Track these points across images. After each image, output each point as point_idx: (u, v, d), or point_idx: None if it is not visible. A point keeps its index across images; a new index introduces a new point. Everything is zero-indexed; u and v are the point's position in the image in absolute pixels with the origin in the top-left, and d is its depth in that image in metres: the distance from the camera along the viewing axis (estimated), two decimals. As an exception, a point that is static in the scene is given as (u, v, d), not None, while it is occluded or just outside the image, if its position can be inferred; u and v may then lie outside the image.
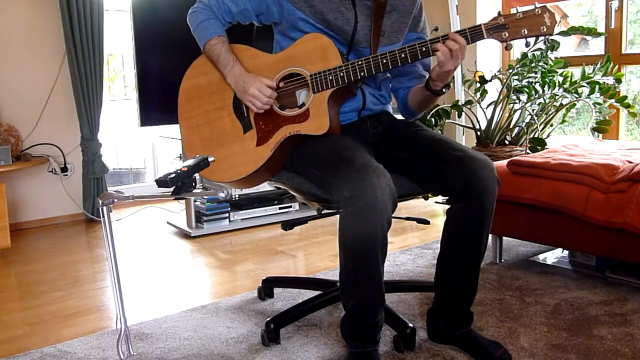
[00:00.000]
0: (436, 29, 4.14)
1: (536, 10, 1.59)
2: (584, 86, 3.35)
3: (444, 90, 1.78)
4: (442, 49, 1.63)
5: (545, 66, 3.44)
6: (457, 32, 1.64)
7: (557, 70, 3.46)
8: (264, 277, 2.33)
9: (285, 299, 2.28)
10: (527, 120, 3.60)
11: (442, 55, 1.63)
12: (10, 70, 3.60)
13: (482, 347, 1.73)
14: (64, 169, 3.83)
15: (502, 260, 2.63)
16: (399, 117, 1.98)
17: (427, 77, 1.82)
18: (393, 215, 1.57)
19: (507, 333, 1.92)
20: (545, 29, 1.58)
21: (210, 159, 1.64)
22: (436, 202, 3.93)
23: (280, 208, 3.64)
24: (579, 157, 2.38)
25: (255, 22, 1.90)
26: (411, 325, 1.82)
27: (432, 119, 3.78)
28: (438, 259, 1.80)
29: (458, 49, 1.62)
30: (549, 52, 3.44)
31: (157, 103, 3.39)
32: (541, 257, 2.67)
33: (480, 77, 3.68)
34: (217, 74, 1.88)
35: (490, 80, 3.66)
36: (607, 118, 3.36)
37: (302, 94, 1.80)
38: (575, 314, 2.05)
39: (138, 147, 5.69)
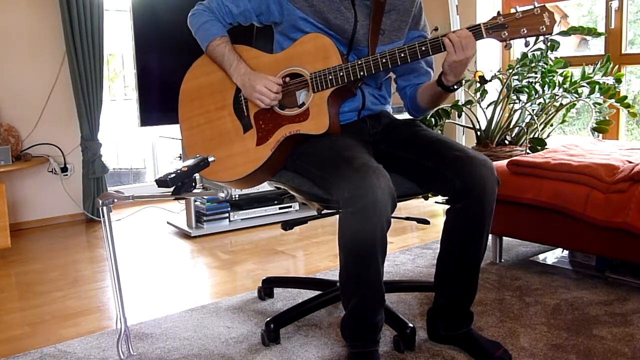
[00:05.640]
0: (436, 29, 4.14)
1: (535, 9, 1.58)
2: (584, 86, 3.34)
3: (455, 87, 1.76)
4: (451, 37, 1.63)
5: (545, 66, 3.44)
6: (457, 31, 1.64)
7: (557, 70, 3.46)
8: (264, 277, 2.33)
9: (285, 299, 2.28)
10: (527, 120, 3.59)
11: (452, 44, 1.63)
12: (10, 70, 3.60)
13: (482, 347, 1.73)
14: (64, 169, 3.83)
15: (502, 260, 2.63)
16: (399, 117, 1.98)
17: (432, 73, 1.82)
18: (393, 215, 1.57)
19: (507, 333, 1.92)
20: (544, 29, 1.58)
21: (210, 159, 1.64)
22: (436, 202, 3.93)
23: (280, 208, 3.63)
24: (579, 157, 2.38)
25: (255, 23, 1.90)
26: (411, 325, 1.82)
27: (432, 119, 3.78)
28: (438, 259, 1.80)
29: (467, 38, 1.62)
30: (549, 52, 3.44)
31: (157, 103, 3.38)
32: (541, 257, 2.67)
33: (480, 77, 3.68)
34: (218, 74, 1.88)
35: (490, 80, 3.66)
36: (607, 118, 3.36)
37: (302, 93, 1.80)
38: (575, 314, 2.05)
39: (138, 147, 5.69)
